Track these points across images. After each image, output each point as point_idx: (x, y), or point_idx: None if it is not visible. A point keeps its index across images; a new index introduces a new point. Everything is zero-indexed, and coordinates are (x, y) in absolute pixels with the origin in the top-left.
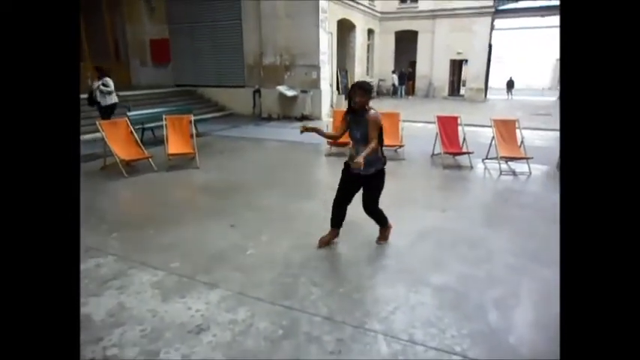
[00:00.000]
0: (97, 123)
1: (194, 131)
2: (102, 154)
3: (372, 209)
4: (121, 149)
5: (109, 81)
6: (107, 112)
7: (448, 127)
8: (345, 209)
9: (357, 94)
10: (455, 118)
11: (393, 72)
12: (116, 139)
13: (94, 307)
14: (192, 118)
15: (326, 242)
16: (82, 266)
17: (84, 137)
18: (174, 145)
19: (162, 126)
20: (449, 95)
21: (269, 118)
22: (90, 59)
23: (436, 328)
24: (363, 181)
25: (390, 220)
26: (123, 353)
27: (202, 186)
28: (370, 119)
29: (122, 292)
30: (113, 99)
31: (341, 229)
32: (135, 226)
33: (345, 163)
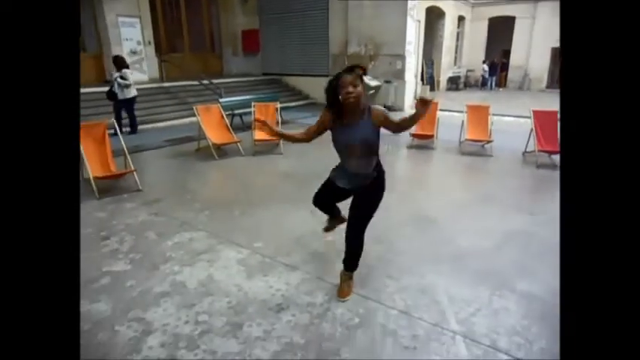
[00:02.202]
0: (194, 108)
1: (279, 119)
2: (196, 138)
3: (357, 230)
4: (213, 133)
5: (128, 73)
6: (126, 106)
7: (545, 122)
8: (332, 204)
9: (349, 83)
10: (554, 113)
11: (484, 62)
12: (209, 123)
13: (187, 276)
14: (279, 105)
15: (328, 230)
16: (177, 239)
17: (182, 121)
18: (261, 132)
19: (249, 112)
20: (546, 87)
21: None
22: (189, 49)
23: (522, 338)
24: (355, 194)
25: (474, 218)
26: (212, 320)
27: (285, 172)
28: (379, 113)
29: (211, 266)
30: (132, 92)
31: (418, 224)
32: (223, 206)
33: (331, 184)
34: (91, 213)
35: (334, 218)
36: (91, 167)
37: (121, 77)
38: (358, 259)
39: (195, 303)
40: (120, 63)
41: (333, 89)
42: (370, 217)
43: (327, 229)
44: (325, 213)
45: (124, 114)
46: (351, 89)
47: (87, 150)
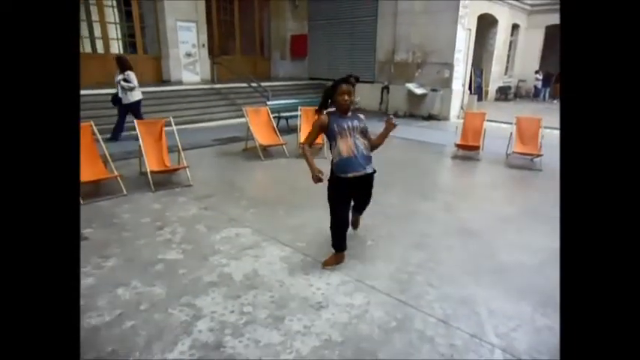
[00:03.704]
0: (244, 109)
1: None
2: (244, 138)
3: (363, 210)
4: (261, 135)
5: (132, 75)
6: (131, 110)
7: None
8: (347, 228)
9: (352, 93)
10: None
11: (537, 72)
12: (257, 125)
13: (234, 268)
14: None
15: (333, 263)
16: (224, 233)
17: (230, 121)
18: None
19: (296, 116)
20: None
21: (395, 116)
22: (240, 52)
23: None
24: (365, 181)
25: (518, 233)
26: (256, 312)
27: (327, 176)
28: (362, 120)
29: (256, 261)
30: (136, 95)
31: (460, 235)
32: (268, 205)
33: (344, 179)
34: (148, 204)
35: (339, 253)
36: (149, 162)
37: (124, 80)
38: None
39: (240, 294)
40: (123, 64)
41: (331, 93)
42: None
43: (329, 264)
44: (339, 242)
45: (129, 118)
46: (347, 97)
47: (146, 145)
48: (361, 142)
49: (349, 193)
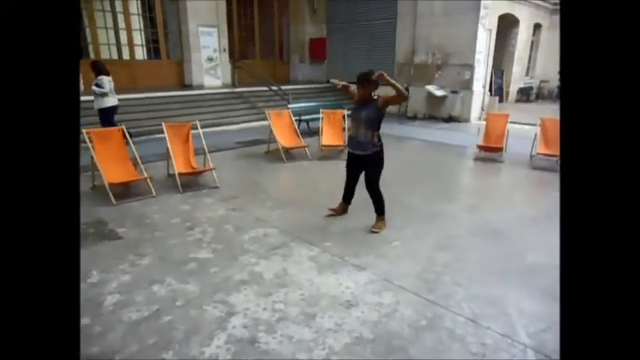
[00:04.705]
0: (267, 112)
1: (345, 125)
2: (266, 140)
3: (374, 187)
4: (283, 137)
5: (104, 80)
6: (103, 117)
7: None
8: (353, 189)
9: (364, 86)
10: None
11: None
12: (280, 127)
13: (264, 267)
14: (345, 113)
15: (337, 211)
16: (252, 233)
17: (251, 124)
18: (327, 137)
19: (317, 118)
20: None
21: (414, 118)
22: (260, 56)
23: None
24: (362, 161)
25: (544, 234)
26: (287, 309)
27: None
28: (381, 99)
29: (285, 260)
30: (109, 102)
31: (485, 235)
32: (294, 206)
33: (347, 153)
34: (177, 205)
35: (345, 204)
36: (177, 164)
37: (96, 85)
38: (384, 206)
39: (271, 292)
40: (98, 69)
41: (364, 78)
42: (378, 177)
43: (336, 211)
44: (347, 196)
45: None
46: (352, 88)
47: (174, 148)
48: (362, 133)
49: (354, 164)
